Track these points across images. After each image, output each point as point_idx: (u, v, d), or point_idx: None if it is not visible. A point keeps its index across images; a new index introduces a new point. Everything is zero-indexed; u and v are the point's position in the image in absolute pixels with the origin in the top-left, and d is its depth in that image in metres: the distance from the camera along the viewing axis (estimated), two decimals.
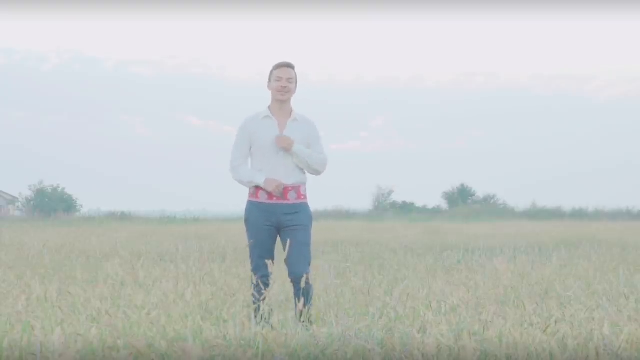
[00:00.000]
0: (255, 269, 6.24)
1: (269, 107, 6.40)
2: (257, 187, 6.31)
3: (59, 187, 58.37)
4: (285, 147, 6.26)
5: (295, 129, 6.36)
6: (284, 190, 6.28)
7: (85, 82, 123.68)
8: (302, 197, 6.37)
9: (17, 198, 58.53)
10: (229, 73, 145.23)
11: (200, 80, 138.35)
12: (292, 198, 6.30)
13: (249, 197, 6.37)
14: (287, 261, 6.26)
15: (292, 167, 6.33)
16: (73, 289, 7.57)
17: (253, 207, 6.32)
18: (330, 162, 6.52)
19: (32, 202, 56.95)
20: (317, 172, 6.45)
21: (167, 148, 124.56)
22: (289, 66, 6.36)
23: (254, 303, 6.15)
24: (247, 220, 6.35)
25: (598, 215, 49.87)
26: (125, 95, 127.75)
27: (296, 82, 6.39)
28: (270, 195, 6.26)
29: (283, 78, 6.32)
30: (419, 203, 59.81)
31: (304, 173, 6.41)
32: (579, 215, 50.61)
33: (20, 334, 5.05)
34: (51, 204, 55.56)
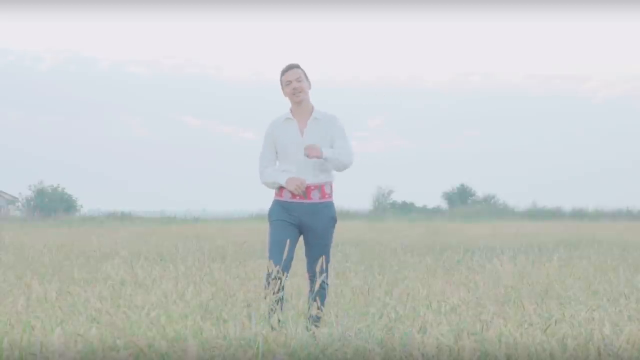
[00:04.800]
0: (270, 267, 6.24)
1: (290, 110, 6.47)
2: (282, 187, 6.36)
3: (59, 187, 58.30)
4: (316, 156, 6.25)
5: (316, 128, 6.39)
6: (307, 190, 6.30)
7: (81, 83, 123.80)
8: (327, 196, 6.38)
9: (17, 198, 58.47)
10: (226, 73, 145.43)
11: (197, 81, 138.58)
12: (315, 197, 6.32)
13: (275, 196, 6.43)
14: (307, 261, 6.32)
15: (316, 166, 6.34)
16: (73, 289, 7.57)
17: (277, 205, 6.38)
18: (354, 154, 6.46)
19: (32, 202, 56.88)
20: (346, 168, 6.45)
21: (166, 148, 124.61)
22: (293, 67, 6.41)
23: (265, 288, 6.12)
24: (269, 216, 6.40)
25: (598, 215, 49.82)
26: (122, 96, 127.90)
27: (306, 79, 6.45)
28: (293, 194, 6.29)
29: (292, 80, 6.37)
30: (419, 203, 59.73)
31: (328, 172, 6.40)
32: (579, 215, 50.56)
33: (20, 334, 5.05)
34: (51, 204, 55.46)
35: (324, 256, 6.26)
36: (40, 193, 57.36)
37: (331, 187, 6.43)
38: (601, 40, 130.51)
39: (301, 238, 6.42)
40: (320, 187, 6.34)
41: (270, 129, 6.47)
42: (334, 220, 6.39)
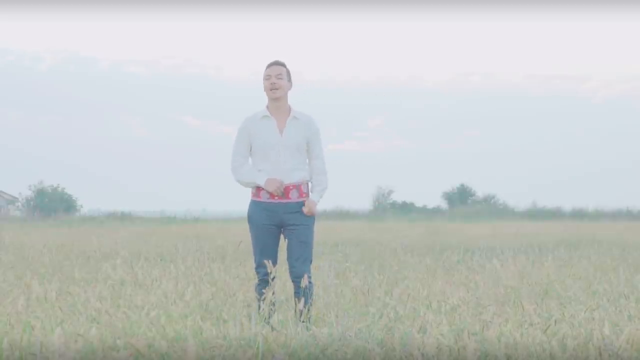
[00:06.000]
0: (258, 269, 6.28)
1: (267, 107, 6.42)
2: (259, 187, 6.33)
3: (59, 187, 58.30)
4: (314, 211, 6.33)
5: (295, 128, 6.37)
6: (286, 190, 6.29)
7: (81, 82, 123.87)
8: (305, 195, 6.37)
9: (17, 198, 58.46)
10: (225, 73, 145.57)
11: (196, 81, 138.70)
12: (294, 197, 6.31)
13: (252, 196, 6.40)
14: (288, 260, 6.28)
15: (293, 166, 6.33)
16: (73, 289, 7.57)
17: (255, 207, 6.34)
18: (327, 163, 6.55)
19: (32, 202, 56.86)
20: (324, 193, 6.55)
21: (166, 148, 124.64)
22: (277, 63, 6.40)
23: (258, 301, 6.16)
24: (250, 220, 6.37)
25: (598, 215, 49.82)
26: (122, 96, 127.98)
27: (288, 79, 6.41)
28: (272, 194, 6.28)
29: (272, 75, 6.35)
30: (419, 203, 59.75)
31: (305, 172, 6.40)
32: (579, 215, 50.56)
33: (20, 334, 5.04)
34: (51, 204, 55.44)
35: (306, 254, 6.26)
36: (40, 193, 57.36)
37: (308, 186, 6.43)
38: (601, 40, 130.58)
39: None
40: (298, 187, 6.34)
41: (245, 125, 6.40)
42: (314, 218, 6.39)
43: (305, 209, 6.30)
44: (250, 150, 6.41)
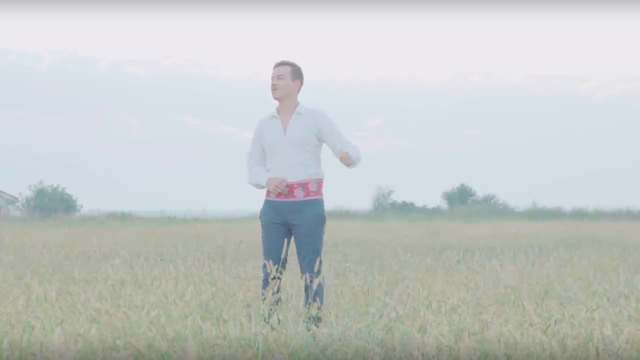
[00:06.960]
0: (264, 267, 6.27)
1: (277, 107, 6.45)
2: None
3: (59, 187, 58.28)
4: (349, 163, 6.18)
5: (298, 123, 6.34)
6: (291, 188, 6.27)
7: (81, 83, 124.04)
8: (312, 193, 6.27)
9: (17, 198, 58.44)
10: (224, 73, 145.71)
11: (196, 81, 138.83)
12: (299, 195, 6.28)
13: (264, 195, 6.42)
14: (298, 260, 6.27)
15: (299, 162, 6.29)
16: (73, 289, 7.57)
17: (266, 205, 6.37)
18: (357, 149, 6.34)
19: (32, 202, 56.84)
20: (359, 161, 6.33)
21: (165, 148, 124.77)
22: (280, 64, 6.40)
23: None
24: (260, 218, 6.41)
25: (598, 215, 49.81)
26: (122, 96, 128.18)
27: (294, 78, 6.37)
28: (278, 193, 6.28)
29: (274, 77, 6.38)
30: (419, 203, 59.74)
31: (315, 169, 6.32)
32: (579, 215, 50.56)
33: (20, 334, 5.05)
34: (51, 204, 55.42)
35: (310, 255, 6.20)
36: (40, 193, 57.35)
37: (317, 184, 6.33)
38: (601, 40, 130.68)
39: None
40: (304, 185, 6.28)
41: (258, 127, 6.46)
42: (320, 218, 6.28)
43: (344, 156, 6.11)
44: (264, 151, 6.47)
